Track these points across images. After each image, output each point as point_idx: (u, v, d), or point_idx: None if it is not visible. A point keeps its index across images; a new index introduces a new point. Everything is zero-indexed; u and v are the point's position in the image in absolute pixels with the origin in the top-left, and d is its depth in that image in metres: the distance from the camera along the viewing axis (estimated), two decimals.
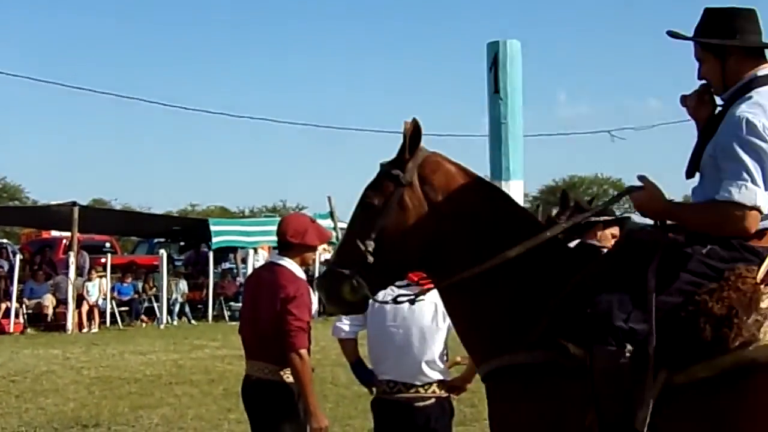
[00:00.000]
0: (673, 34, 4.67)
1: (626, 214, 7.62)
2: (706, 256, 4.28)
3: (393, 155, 4.70)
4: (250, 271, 25.66)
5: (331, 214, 28.47)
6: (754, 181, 4.18)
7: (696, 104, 4.73)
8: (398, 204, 4.60)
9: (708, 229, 4.34)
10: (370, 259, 4.55)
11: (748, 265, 4.24)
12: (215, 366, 16.88)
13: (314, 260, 18.43)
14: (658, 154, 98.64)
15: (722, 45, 4.48)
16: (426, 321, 6.19)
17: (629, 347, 4.08)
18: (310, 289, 6.45)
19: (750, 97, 4.34)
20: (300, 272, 6.52)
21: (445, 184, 4.64)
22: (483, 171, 7.36)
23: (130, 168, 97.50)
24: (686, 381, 4.05)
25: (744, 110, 4.26)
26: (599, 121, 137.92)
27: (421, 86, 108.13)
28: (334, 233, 28.03)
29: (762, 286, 4.16)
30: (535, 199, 56.17)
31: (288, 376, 6.16)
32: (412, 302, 4.97)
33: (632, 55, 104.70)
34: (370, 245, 4.56)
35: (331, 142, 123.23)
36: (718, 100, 4.61)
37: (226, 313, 28.24)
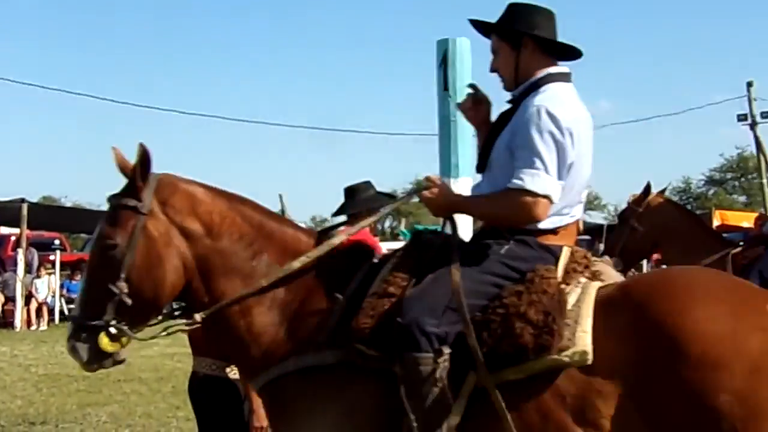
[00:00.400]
0: (474, 22, 4.70)
1: None
2: (506, 257, 4.33)
3: (120, 187, 4.47)
4: None
5: (282, 212, 28.44)
6: (547, 171, 4.25)
7: (471, 106, 4.80)
8: (143, 235, 4.37)
9: (500, 217, 4.41)
10: (128, 300, 4.33)
11: (546, 264, 4.34)
12: (164, 364, 16.79)
13: None
14: (608, 154, 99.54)
15: (519, 36, 4.52)
16: None
17: (446, 351, 4.08)
18: None
19: (546, 90, 4.42)
20: None
21: (188, 204, 4.48)
22: (434, 168, 7.45)
23: (81, 165, 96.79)
24: (495, 383, 4.09)
25: (542, 101, 4.34)
26: None
27: (374, 84, 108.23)
28: None
29: (563, 286, 4.29)
30: None
31: (234, 373, 6.15)
32: (184, 332, 4.73)
33: (583, 56, 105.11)
34: (124, 286, 4.32)
35: (284, 141, 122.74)
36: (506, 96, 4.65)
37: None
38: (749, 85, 34.84)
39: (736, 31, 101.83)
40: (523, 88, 4.53)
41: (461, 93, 7.32)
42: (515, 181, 4.26)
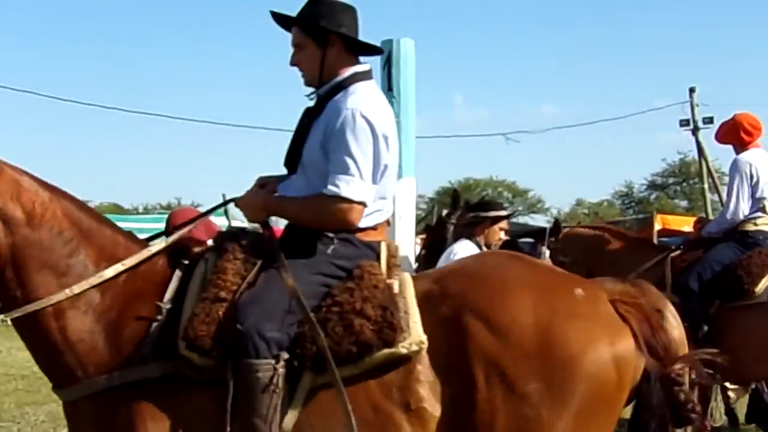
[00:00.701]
0: (275, 15, 4.63)
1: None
2: (333, 256, 4.37)
3: None
4: None
5: (225, 212, 28.17)
6: (362, 176, 4.29)
7: None
8: None
9: (315, 222, 4.41)
10: None
11: (370, 260, 4.41)
12: None
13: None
14: (552, 158, 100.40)
15: (326, 34, 4.49)
16: None
17: (284, 356, 4.07)
18: None
19: (356, 91, 4.42)
20: None
21: (12, 189, 4.25)
22: None
23: (21, 164, 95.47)
24: (328, 381, 4.11)
25: (355, 104, 4.33)
26: (495, 125, 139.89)
27: None
28: None
29: (389, 281, 4.38)
30: (431, 200, 56.45)
31: None
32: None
33: (528, 60, 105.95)
34: None
35: (227, 140, 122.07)
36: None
37: None
38: (692, 90, 35.15)
39: (678, 38, 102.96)
40: (329, 86, 4.51)
41: (405, 93, 7.38)
42: (331, 187, 4.29)
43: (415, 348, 4.15)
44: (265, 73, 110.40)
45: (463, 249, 7.28)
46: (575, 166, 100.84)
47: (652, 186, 69.94)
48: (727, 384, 9.79)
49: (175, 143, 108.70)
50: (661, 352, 4.54)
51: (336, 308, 4.20)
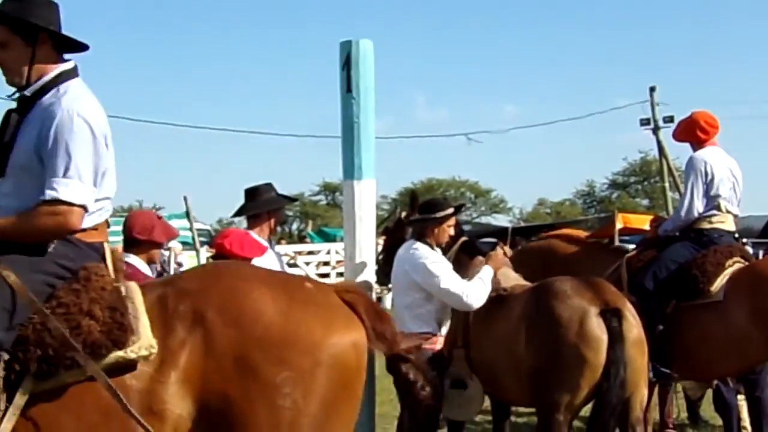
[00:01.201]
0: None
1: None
2: (55, 256, 4.20)
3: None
4: None
5: (187, 214, 27.97)
6: (81, 178, 4.15)
7: None
8: None
9: (37, 232, 4.19)
10: None
11: (95, 262, 4.29)
12: None
13: (162, 257, 18.30)
14: (514, 158, 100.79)
15: (36, 31, 4.31)
16: None
17: (4, 357, 3.91)
18: None
19: (68, 91, 4.28)
20: (148, 270, 6.47)
21: None
22: (339, 171, 7.46)
23: None
24: (51, 388, 3.97)
25: (71, 104, 4.20)
26: (457, 125, 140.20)
27: (280, 86, 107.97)
28: (190, 233, 27.76)
29: (116, 284, 4.27)
30: (394, 200, 56.50)
31: None
32: None
33: (490, 60, 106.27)
34: None
35: (188, 142, 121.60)
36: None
37: None
38: (652, 90, 35.38)
39: (639, 38, 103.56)
40: (37, 86, 4.35)
41: (365, 94, 7.37)
42: (49, 192, 4.14)
43: (144, 353, 4.04)
44: (226, 73, 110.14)
45: (421, 248, 7.31)
46: (537, 166, 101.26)
47: (614, 185, 70.48)
48: (686, 383, 9.92)
49: (137, 146, 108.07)
50: (388, 336, 4.59)
51: (62, 309, 4.04)
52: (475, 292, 7.10)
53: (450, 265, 7.37)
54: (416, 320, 7.24)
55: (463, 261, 7.95)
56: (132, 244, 6.49)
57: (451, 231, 7.77)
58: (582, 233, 11.48)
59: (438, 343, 7.33)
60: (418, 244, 7.36)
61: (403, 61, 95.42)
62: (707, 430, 11.01)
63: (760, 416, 8.71)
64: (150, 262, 6.63)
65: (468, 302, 7.08)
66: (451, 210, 7.57)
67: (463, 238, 8.20)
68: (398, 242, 7.91)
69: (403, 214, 8.55)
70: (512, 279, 7.89)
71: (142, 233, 6.45)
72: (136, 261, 6.41)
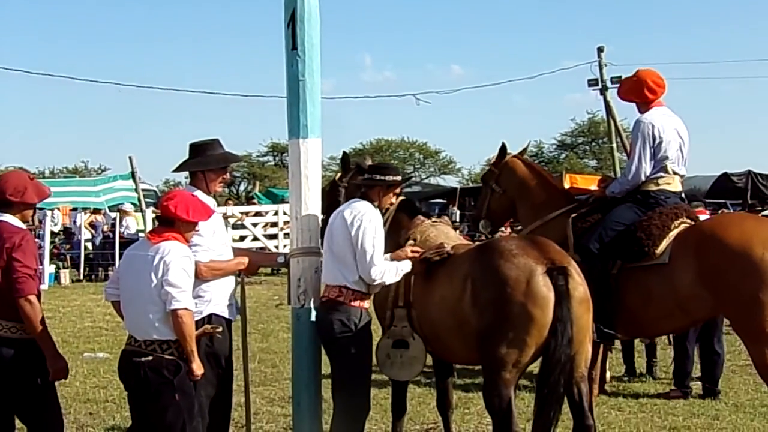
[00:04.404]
0: None
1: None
2: None
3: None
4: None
5: (133, 175, 27.80)
6: None
7: None
8: None
9: None
10: None
11: None
12: None
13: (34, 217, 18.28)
14: (462, 119, 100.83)
15: None
16: (144, 279, 6.23)
17: None
18: (34, 239, 6.35)
19: None
20: (21, 224, 6.53)
21: None
22: (284, 130, 7.40)
23: None
24: None
25: None
26: (404, 86, 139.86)
27: (225, 43, 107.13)
28: (136, 195, 27.56)
29: None
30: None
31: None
32: None
33: (437, 20, 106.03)
34: None
35: (135, 102, 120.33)
36: None
37: None
38: (600, 50, 35.29)
39: None
40: None
41: (310, 52, 7.30)
42: None
43: None
44: (176, 32, 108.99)
45: (363, 207, 7.19)
46: (485, 127, 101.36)
47: (562, 146, 70.83)
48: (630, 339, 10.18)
49: (82, 105, 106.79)
50: None
51: None
52: (387, 276, 7.05)
53: (383, 236, 7.24)
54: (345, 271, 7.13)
55: (403, 221, 7.97)
56: (5, 204, 6.50)
57: (394, 199, 7.74)
58: None
59: (366, 301, 7.24)
60: (364, 203, 7.27)
61: (349, 21, 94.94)
62: (642, 382, 11.76)
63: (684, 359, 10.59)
64: (23, 221, 6.65)
65: (376, 280, 7.02)
66: (399, 177, 7.51)
67: (402, 197, 8.15)
68: (334, 204, 7.82)
69: (338, 175, 8.51)
70: (453, 238, 7.89)
71: (14, 195, 6.49)
72: (10, 218, 6.48)
